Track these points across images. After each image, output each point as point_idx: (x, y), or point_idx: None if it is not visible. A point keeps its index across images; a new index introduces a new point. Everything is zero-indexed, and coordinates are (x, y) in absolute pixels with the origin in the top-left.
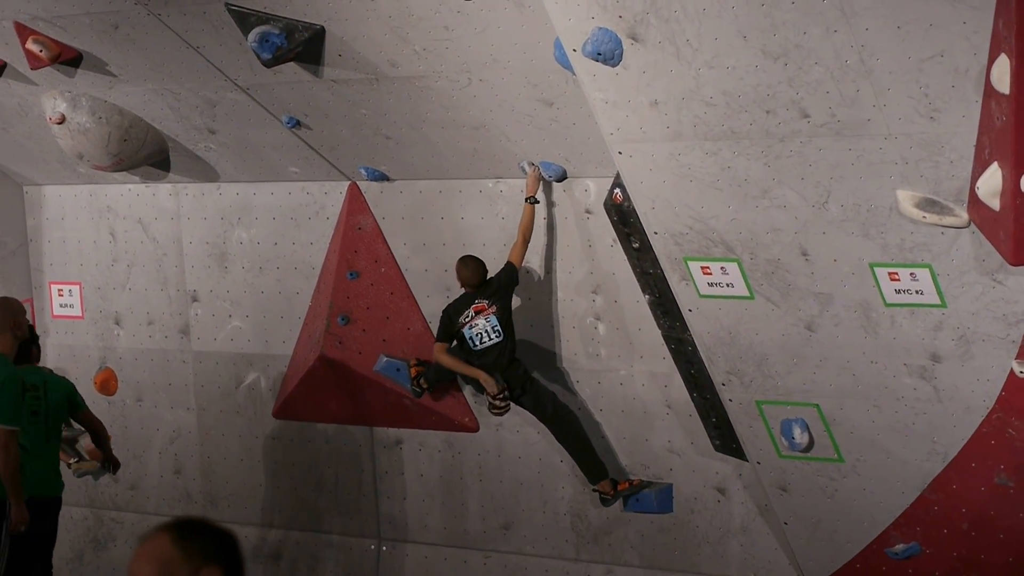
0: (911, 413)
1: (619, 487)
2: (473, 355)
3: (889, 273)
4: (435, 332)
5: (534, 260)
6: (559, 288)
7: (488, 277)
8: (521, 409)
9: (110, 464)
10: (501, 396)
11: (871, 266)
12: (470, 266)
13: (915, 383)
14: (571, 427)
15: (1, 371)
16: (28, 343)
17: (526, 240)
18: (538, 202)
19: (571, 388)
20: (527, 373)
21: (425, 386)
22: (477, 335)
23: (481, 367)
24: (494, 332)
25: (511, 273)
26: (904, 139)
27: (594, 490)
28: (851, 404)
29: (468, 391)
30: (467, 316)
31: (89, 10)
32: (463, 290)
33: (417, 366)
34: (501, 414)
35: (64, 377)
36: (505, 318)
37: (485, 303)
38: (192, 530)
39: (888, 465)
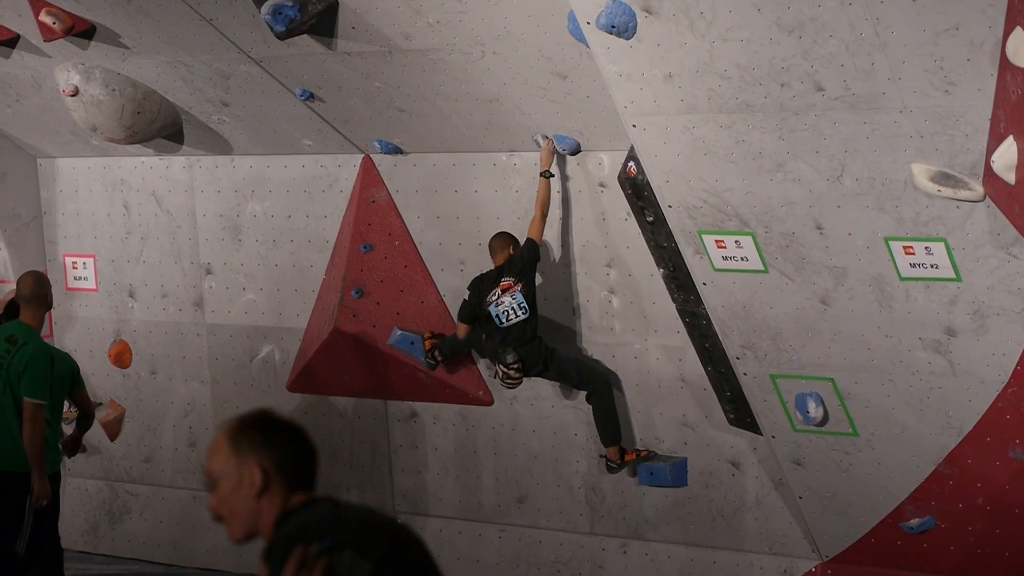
0: (926, 387)
1: (627, 457)
2: (497, 332)
3: (904, 247)
4: (451, 307)
5: (548, 234)
6: (573, 262)
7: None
8: (536, 382)
9: (72, 446)
10: (515, 367)
11: (886, 240)
12: (500, 237)
13: (930, 357)
14: (598, 390)
15: (31, 345)
16: None
17: (544, 214)
18: (553, 176)
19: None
20: (548, 348)
21: (440, 359)
22: (503, 312)
23: (504, 344)
24: (520, 309)
25: (533, 249)
26: (919, 112)
27: (601, 456)
28: (866, 378)
29: (483, 364)
30: (494, 295)
31: None
32: (491, 265)
33: (431, 339)
34: (513, 386)
35: (67, 354)
36: (530, 294)
37: (511, 280)
38: (248, 425)
39: (903, 439)
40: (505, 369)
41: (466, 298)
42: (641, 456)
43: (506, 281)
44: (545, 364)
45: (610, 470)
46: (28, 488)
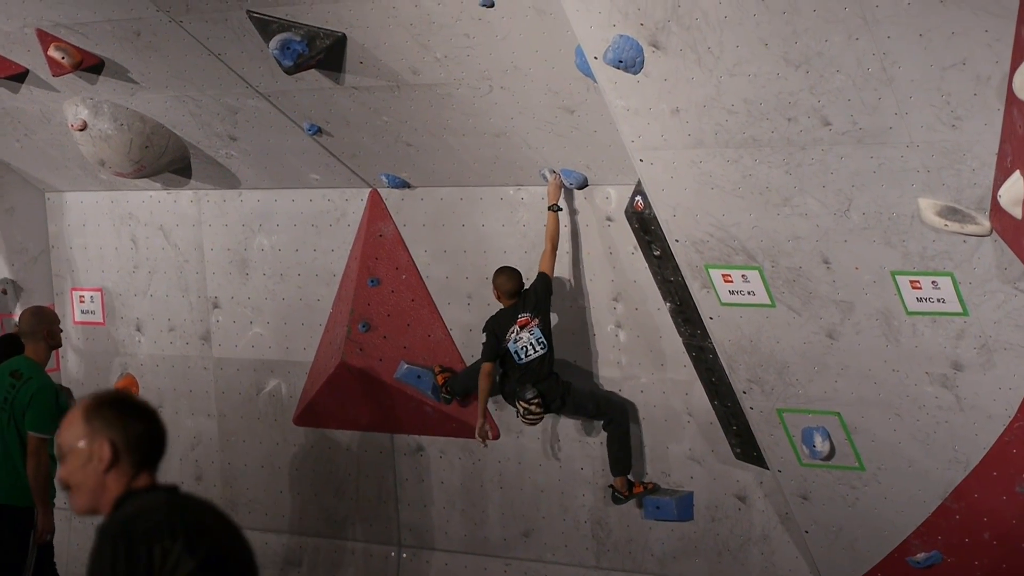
0: (933, 422)
1: (635, 489)
2: (516, 369)
3: (911, 281)
4: (458, 341)
5: (555, 267)
6: (580, 296)
7: (524, 288)
8: (545, 420)
9: None
10: (536, 402)
11: (892, 274)
12: (509, 276)
13: (937, 391)
14: (615, 419)
15: (36, 380)
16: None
17: (554, 248)
18: (560, 209)
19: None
20: (564, 382)
21: (452, 393)
22: (522, 348)
23: (522, 381)
24: (539, 344)
25: (547, 283)
26: (926, 147)
27: (609, 486)
28: (872, 412)
29: (492, 401)
30: (512, 331)
31: (111, 17)
32: (499, 303)
33: (442, 373)
34: (535, 423)
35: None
36: (547, 329)
37: (528, 316)
38: (104, 403)
39: (909, 474)
40: (526, 405)
41: (484, 341)
42: (648, 489)
43: (523, 317)
44: (563, 399)
45: (616, 501)
46: (32, 523)
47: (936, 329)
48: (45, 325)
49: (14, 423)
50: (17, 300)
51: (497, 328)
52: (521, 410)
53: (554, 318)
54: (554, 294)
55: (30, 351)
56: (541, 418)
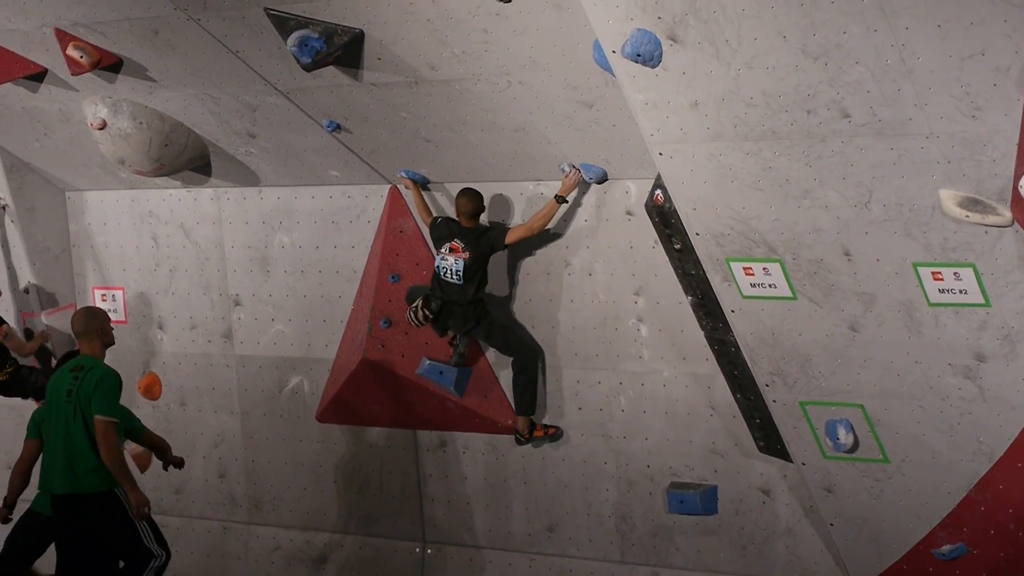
0: (956, 413)
1: (535, 432)
2: (436, 279)
3: (932, 273)
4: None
5: (575, 262)
6: (601, 290)
7: (480, 223)
8: (565, 413)
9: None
10: (425, 314)
11: (914, 266)
12: (470, 198)
13: (960, 383)
14: (520, 360)
15: (97, 368)
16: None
17: (530, 231)
18: (567, 203)
19: (614, 391)
20: (484, 311)
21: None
22: (443, 270)
23: (441, 299)
24: (456, 276)
25: (498, 239)
26: (946, 138)
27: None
28: (896, 404)
29: (511, 393)
30: (444, 248)
31: (129, 16)
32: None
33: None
34: (417, 325)
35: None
36: (476, 272)
37: (461, 245)
38: None
39: (934, 465)
40: (422, 309)
41: (438, 219)
42: (548, 434)
43: (456, 243)
44: (476, 323)
45: (518, 442)
46: (118, 503)
47: (959, 320)
48: (98, 324)
49: (80, 413)
50: (40, 300)
51: (441, 228)
52: (409, 312)
53: (576, 313)
54: (575, 289)
55: (86, 349)
56: (422, 325)
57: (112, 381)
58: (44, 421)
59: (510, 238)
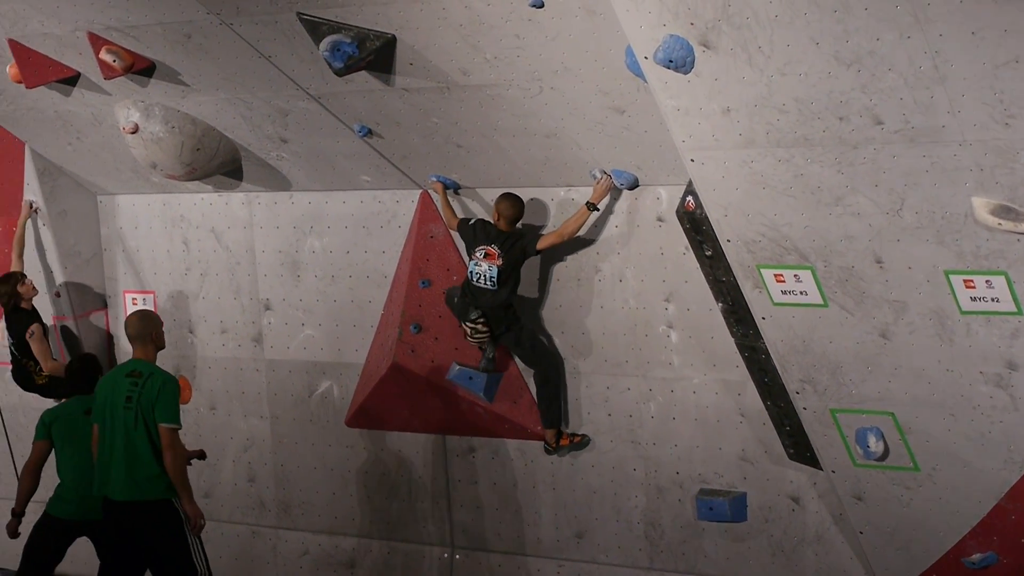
0: (987, 421)
1: (561, 442)
2: (468, 284)
3: (964, 280)
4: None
5: (606, 268)
6: (631, 296)
7: (516, 228)
8: (594, 418)
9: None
10: (481, 322)
11: (946, 273)
12: (512, 203)
13: (991, 391)
14: (542, 372)
15: (158, 375)
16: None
17: (561, 237)
18: (598, 210)
19: (644, 397)
20: (516, 317)
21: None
22: (477, 275)
23: (471, 302)
24: (489, 281)
25: (530, 251)
26: (979, 145)
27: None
28: (926, 412)
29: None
30: (480, 251)
31: (162, 20)
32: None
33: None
34: (482, 341)
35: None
36: (509, 278)
37: (497, 251)
38: None
39: (964, 474)
40: (472, 325)
41: (469, 221)
42: (575, 442)
43: (493, 249)
44: (507, 327)
45: (546, 451)
46: (175, 514)
47: (990, 328)
48: (152, 328)
49: (142, 419)
50: (71, 303)
51: (476, 231)
52: (468, 330)
53: (606, 319)
54: (606, 294)
55: (139, 353)
56: (487, 337)
57: (174, 387)
58: (55, 422)
59: (542, 244)
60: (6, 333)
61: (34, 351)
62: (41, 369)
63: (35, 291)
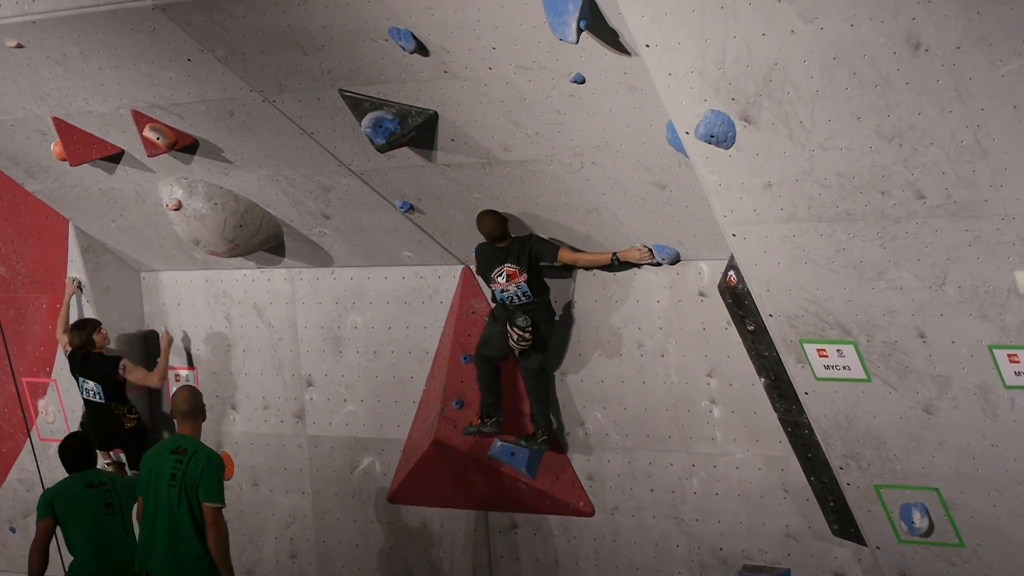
0: None
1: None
2: (502, 307)
3: (1008, 355)
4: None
5: (648, 343)
6: (674, 371)
7: (512, 237)
8: (636, 494)
9: None
10: (529, 329)
11: (990, 348)
12: (491, 221)
13: None
14: (542, 361)
15: (203, 452)
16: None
17: (576, 262)
18: (618, 265)
19: (687, 472)
20: (551, 312)
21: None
22: (508, 298)
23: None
24: (524, 296)
25: (546, 251)
26: (1021, 219)
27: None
28: (971, 488)
29: (583, 475)
30: (500, 274)
31: (205, 98)
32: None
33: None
34: (527, 347)
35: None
36: (536, 283)
37: (516, 269)
38: None
39: (1010, 550)
40: (520, 332)
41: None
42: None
43: (512, 268)
44: (545, 320)
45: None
46: None
47: None
48: (201, 403)
49: (186, 497)
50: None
51: (482, 259)
52: (515, 336)
53: (648, 394)
54: (648, 369)
55: (187, 428)
56: (530, 343)
57: (218, 465)
58: (57, 499)
59: (562, 257)
60: (80, 387)
61: (135, 380)
62: (130, 411)
63: (108, 341)
